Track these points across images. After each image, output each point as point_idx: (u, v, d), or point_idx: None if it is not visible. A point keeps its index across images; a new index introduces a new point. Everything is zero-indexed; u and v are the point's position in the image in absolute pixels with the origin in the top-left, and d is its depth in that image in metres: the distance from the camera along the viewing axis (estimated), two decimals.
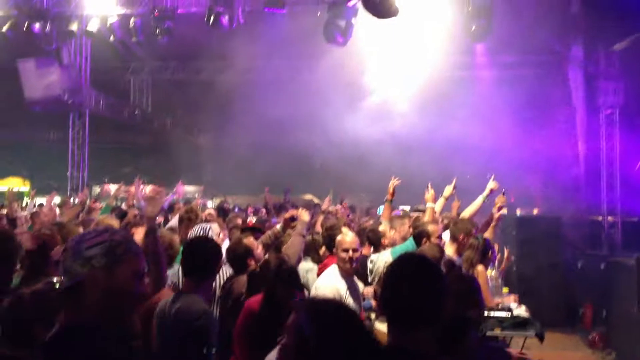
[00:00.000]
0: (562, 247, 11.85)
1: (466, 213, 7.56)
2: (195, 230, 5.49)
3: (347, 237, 5.06)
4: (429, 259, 2.74)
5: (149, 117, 20.52)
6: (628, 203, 12.96)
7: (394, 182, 7.20)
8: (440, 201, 7.60)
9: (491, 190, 7.48)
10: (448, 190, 7.70)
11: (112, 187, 12.72)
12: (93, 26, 12.83)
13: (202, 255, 3.77)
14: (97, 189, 13.91)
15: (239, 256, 4.93)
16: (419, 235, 5.91)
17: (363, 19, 11.18)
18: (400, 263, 2.60)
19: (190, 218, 6.45)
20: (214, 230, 5.53)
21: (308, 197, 19.47)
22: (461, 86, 13.43)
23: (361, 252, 5.30)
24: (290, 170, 17.01)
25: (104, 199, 11.34)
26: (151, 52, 15.79)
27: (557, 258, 11.56)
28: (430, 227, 5.91)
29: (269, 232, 5.73)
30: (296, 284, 4.20)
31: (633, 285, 8.63)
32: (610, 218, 13.04)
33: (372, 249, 6.69)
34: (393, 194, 7.12)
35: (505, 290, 7.60)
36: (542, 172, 15.50)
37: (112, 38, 13.04)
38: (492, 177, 7.60)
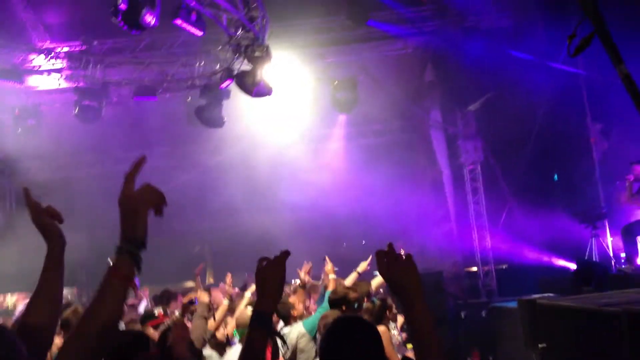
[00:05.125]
0: (446, 300, 12.38)
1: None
2: None
3: None
4: (363, 320, 2.87)
5: None
6: (497, 252, 13.81)
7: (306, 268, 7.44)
8: (353, 275, 7.80)
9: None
10: (362, 266, 7.94)
11: None
12: None
13: None
14: None
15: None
16: (338, 301, 5.98)
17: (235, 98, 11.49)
18: (338, 327, 2.65)
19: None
20: None
21: (189, 284, 19.11)
22: (333, 157, 13.88)
23: None
24: (168, 258, 16.63)
25: None
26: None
27: (442, 311, 12.04)
28: (352, 295, 6.02)
29: (167, 321, 5.68)
30: None
31: (516, 328, 9.14)
32: (484, 267, 13.76)
33: (280, 322, 6.74)
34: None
35: (409, 346, 7.84)
36: (418, 232, 16.25)
37: None
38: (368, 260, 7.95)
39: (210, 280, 15.58)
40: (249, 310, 5.33)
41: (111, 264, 1.90)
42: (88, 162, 14.91)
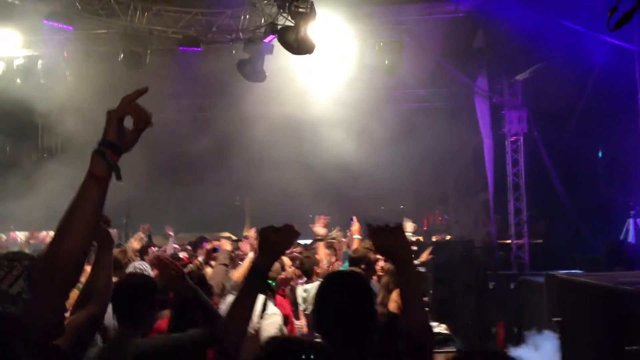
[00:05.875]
0: (475, 269, 12.34)
1: None
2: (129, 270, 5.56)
3: None
4: (356, 275, 2.95)
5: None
6: (533, 226, 13.69)
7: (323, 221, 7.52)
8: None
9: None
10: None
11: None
12: None
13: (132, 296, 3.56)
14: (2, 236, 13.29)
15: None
16: (358, 260, 6.03)
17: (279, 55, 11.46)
18: (330, 282, 2.78)
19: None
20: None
21: (225, 234, 19.44)
22: (377, 119, 13.77)
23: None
24: (207, 208, 16.92)
25: (11, 247, 11.08)
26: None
27: (469, 280, 12.02)
28: (372, 255, 6.07)
29: (191, 265, 5.82)
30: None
31: (543, 302, 9.11)
32: (518, 240, 13.67)
33: (304, 278, 6.85)
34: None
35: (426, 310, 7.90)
36: (454, 199, 16.18)
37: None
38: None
39: (247, 232, 15.77)
40: None
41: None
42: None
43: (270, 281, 5.31)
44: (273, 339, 2.38)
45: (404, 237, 2.58)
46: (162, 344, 3.44)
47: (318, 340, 2.62)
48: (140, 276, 4.19)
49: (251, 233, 7.53)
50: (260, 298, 4.64)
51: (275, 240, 2.57)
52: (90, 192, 1.93)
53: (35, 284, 2.03)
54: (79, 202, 1.92)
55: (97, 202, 1.95)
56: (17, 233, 13.94)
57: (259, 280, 2.55)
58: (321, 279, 6.32)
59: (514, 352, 9.79)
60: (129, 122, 2.02)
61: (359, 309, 2.55)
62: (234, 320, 2.54)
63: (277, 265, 5.50)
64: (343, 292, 2.60)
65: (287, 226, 2.61)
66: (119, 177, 1.98)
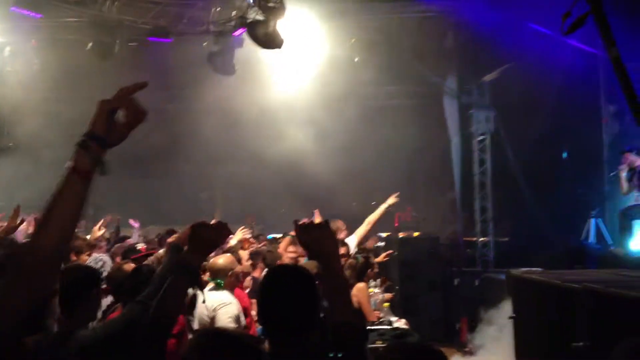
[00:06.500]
0: (440, 266, 12.51)
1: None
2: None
3: None
4: (300, 268, 2.99)
5: None
6: (498, 224, 13.87)
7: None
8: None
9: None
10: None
11: None
12: None
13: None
14: None
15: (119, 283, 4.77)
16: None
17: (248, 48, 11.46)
18: (273, 275, 2.82)
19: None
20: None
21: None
22: (347, 116, 13.81)
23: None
24: (175, 201, 16.84)
25: None
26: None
27: (434, 276, 12.19)
28: None
29: (151, 258, 5.82)
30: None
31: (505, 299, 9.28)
32: (483, 238, 13.84)
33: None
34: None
35: (385, 305, 8.02)
36: (421, 198, 16.30)
37: None
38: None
39: None
40: (221, 259, 5.50)
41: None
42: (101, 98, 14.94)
43: (218, 280, 5.35)
44: (203, 333, 2.42)
45: (330, 234, 2.63)
46: (102, 332, 3.41)
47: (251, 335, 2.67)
48: (83, 268, 4.18)
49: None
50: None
51: (207, 236, 2.63)
52: (72, 187, 1.85)
53: (8, 274, 1.86)
54: (60, 197, 1.84)
55: (79, 197, 1.86)
56: None
57: (187, 276, 2.59)
58: None
59: (476, 346, 10.03)
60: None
61: (296, 303, 2.54)
62: (163, 310, 2.58)
63: (230, 260, 5.53)
64: (283, 285, 2.61)
65: (220, 223, 2.70)
66: (103, 172, 1.89)
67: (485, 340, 9.96)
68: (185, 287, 2.58)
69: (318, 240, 2.57)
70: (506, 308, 9.03)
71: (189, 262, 2.58)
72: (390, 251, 10.84)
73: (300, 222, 2.65)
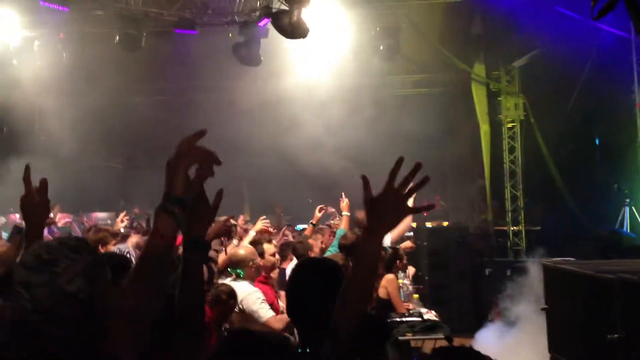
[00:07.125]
0: (470, 255, 12.37)
1: None
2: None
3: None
4: (328, 261, 2.92)
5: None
6: (529, 212, 13.70)
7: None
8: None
9: None
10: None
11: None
12: None
13: None
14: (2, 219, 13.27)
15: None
16: (347, 247, 5.95)
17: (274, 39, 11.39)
18: (301, 268, 2.77)
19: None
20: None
21: (223, 217, 19.38)
22: (373, 105, 13.68)
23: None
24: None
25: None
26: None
27: (464, 266, 12.05)
28: None
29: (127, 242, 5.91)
30: None
31: (536, 289, 9.13)
32: (514, 227, 13.67)
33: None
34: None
35: (415, 296, 7.94)
36: (451, 186, 16.14)
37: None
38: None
39: (246, 217, 15.69)
40: (242, 250, 5.48)
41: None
42: (130, 90, 15.00)
43: (239, 271, 5.31)
44: (233, 333, 2.34)
45: (404, 208, 2.15)
46: None
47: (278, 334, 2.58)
48: (116, 256, 4.17)
49: (240, 220, 7.56)
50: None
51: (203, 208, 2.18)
52: (157, 251, 1.85)
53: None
54: (146, 263, 1.86)
55: (163, 259, 1.87)
56: (17, 215, 13.93)
57: (199, 252, 2.21)
58: None
59: (507, 336, 9.90)
60: None
61: (325, 296, 2.42)
62: (185, 296, 2.21)
63: (251, 251, 5.49)
64: (308, 278, 2.60)
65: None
66: (179, 226, 1.88)
67: (517, 332, 9.85)
68: (200, 264, 2.23)
69: (388, 206, 2.11)
70: (539, 299, 8.99)
71: (196, 236, 2.18)
72: (413, 240, 10.63)
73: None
